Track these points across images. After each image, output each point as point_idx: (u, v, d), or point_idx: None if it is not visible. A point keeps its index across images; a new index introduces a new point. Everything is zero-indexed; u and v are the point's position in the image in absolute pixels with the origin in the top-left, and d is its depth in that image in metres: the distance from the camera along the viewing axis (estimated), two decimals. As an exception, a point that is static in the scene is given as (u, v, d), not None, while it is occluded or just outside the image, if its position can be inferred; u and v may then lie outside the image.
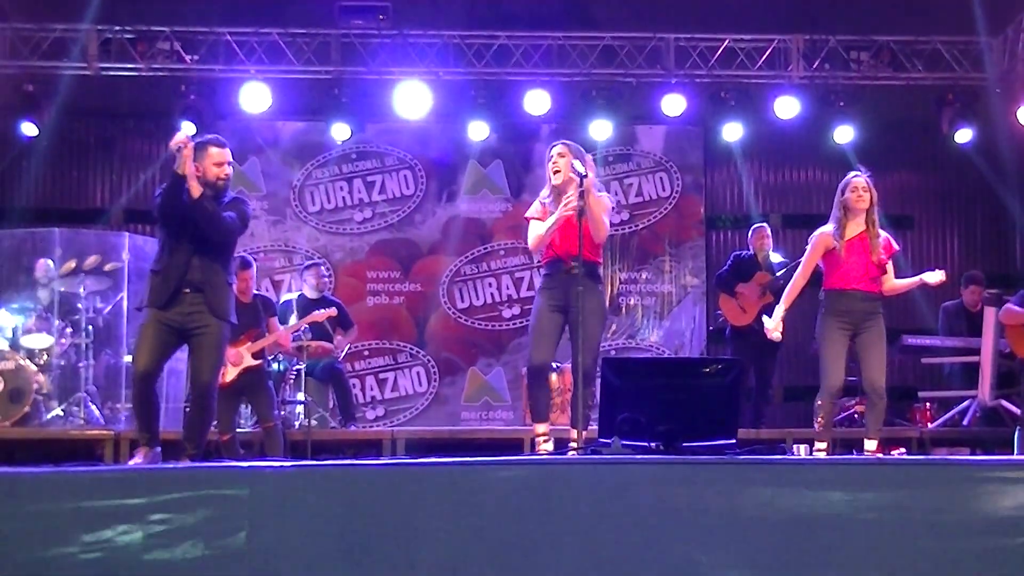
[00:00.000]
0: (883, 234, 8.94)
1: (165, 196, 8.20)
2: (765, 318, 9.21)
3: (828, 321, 8.90)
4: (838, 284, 8.91)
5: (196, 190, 8.11)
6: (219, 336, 8.30)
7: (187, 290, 8.19)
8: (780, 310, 9.02)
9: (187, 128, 12.22)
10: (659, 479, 5.44)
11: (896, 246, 9.04)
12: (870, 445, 8.89)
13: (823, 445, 8.95)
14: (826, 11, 13.39)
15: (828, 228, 8.98)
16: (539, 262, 8.95)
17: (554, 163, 8.58)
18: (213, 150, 8.34)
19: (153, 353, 8.21)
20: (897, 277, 9.07)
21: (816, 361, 9.08)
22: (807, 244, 9.18)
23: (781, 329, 9.01)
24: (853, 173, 9.03)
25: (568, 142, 8.68)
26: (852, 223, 8.91)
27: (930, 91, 14.21)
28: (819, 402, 8.94)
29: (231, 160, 8.51)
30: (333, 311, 11.77)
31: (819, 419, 8.95)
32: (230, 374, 10.50)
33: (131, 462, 8.53)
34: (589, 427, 8.29)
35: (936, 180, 15.87)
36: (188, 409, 8.40)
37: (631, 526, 5.30)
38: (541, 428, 8.72)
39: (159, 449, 8.29)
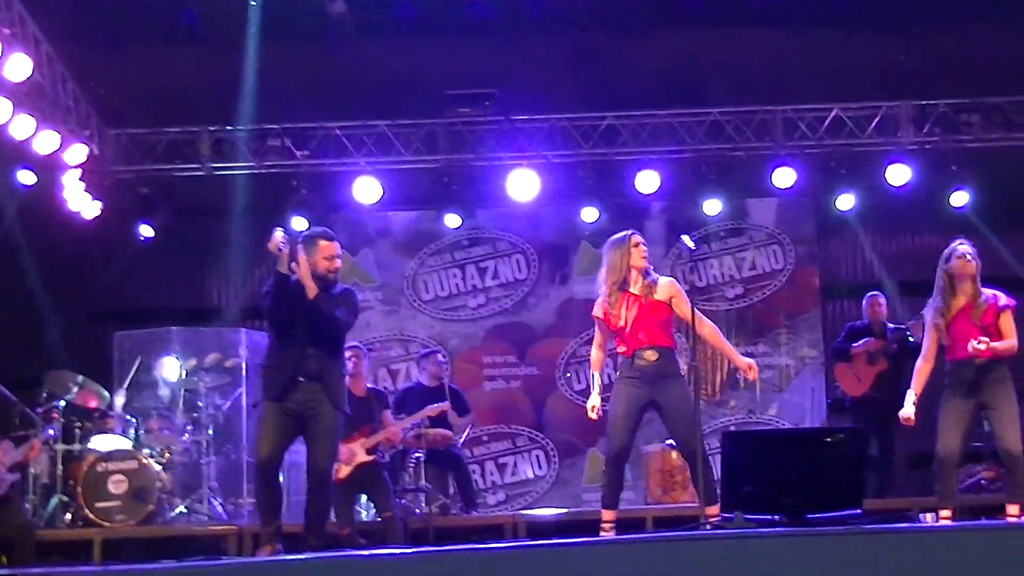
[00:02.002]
0: (987, 293, 8.83)
1: (275, 297, 8.32)
2: (908, 403, 9.00)
3: (946, 392, 8.87)
4: (951, 355, 8.88)
5: (312, 290, 8.22)
6: (334, 423, 8.41)
7: (303, 379, 8.28)
8: (912, 396, 8.91)
9: (289, 227, 12.28)
10: (785, 552, 5.34)
11: (1007, 300, 8.85)
12: (1012, 510, 8.67)
13: (947, 513, 8.75)
14: (932, 75, 13.25)
15: (935, 302, 8.92)
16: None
17: (642, 250, 8.89)
18: (322, 243, 8.46)
19: (273, 440, 8.32)
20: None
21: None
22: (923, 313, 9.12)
23: (913, 412, 8.89)
24: (958, 241, 8.97)
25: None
26: (960, 291, 8.83)
27: (1045, 150, 13.99)
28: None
29: (340, 252, 8.60)
30: (445, 406, 11.72)
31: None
32: (344, 470, 10.48)
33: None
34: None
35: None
36: (307, 498, 8.44)
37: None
38: (607, 515, 8.65)
39: (280, 546, 8.32)
